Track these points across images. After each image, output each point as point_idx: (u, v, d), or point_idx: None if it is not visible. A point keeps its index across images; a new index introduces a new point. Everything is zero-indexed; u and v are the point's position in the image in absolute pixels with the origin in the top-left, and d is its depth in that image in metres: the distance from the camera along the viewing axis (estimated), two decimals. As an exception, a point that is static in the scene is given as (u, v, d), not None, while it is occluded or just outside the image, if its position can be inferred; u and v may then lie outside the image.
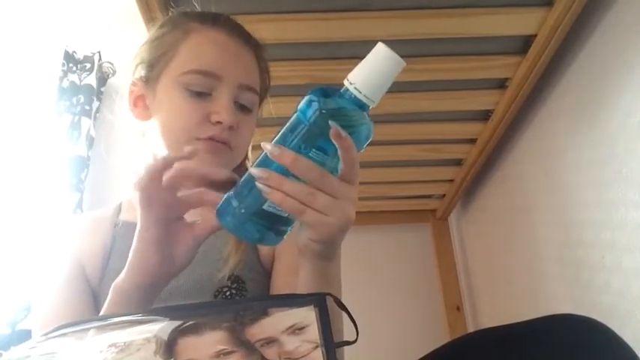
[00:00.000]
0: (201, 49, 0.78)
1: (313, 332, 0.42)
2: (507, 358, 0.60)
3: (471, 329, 1.98)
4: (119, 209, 0.85)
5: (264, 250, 0.81)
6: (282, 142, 0.54)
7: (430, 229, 2.15)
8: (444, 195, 1.99)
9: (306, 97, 0.55)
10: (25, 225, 1.68)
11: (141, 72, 0.82)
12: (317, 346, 0.41)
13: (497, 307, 1.83)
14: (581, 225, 1.26)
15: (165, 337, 0.41)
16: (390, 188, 1.92)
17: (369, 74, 0.56)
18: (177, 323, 0.42)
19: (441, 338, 1.93)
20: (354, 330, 0.50)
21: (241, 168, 0.83)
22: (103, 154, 1.88)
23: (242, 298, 0.74)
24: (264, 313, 0.43)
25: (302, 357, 0.41)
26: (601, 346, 0.58)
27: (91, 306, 0.75)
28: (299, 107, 0.55)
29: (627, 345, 0.58)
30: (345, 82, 0.56)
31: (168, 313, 0.42)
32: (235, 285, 0.75)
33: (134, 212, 0.81)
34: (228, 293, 0.74)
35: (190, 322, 0.42)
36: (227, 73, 0.77)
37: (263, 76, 0.86)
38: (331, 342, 0.42)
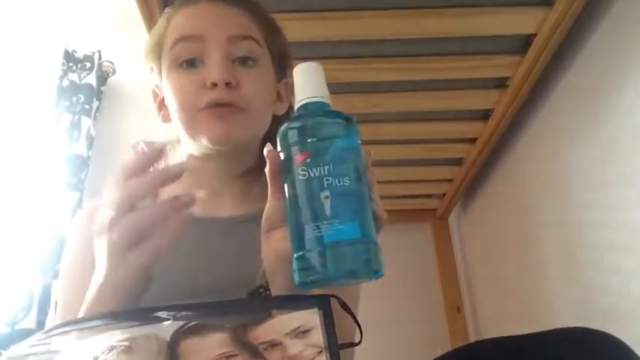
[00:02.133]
0: (180, 21, 0.76)
1: (317, 336, 0.42)
2: None
3: (470, 329, 1.98)
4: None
5: None
6: None
7: (430, 229, 2.15)
8: (444, 194, 1.99)
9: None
10: (25, 224, 1.68)
11: (153, 76, 0.81)
12: (321, 351, 0.41)
13: (497, 307, 1.83)
14: (581, 225, 1.26)
15: (167, 338, 0.41)
16: (390, 188, 1.92)
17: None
18: (179, 324, 0.42)
19: (441, 338, 1.93)
20: (358, 332, 0.50)
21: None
22: (102, 153, 1.88)
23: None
24: (268, 315, 0.42)
25: (306, 362, 0.41)
26: None
27: None
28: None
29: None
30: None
31: (170, 312, 0.42)
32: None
33: None
34: (262, 294, 0.70)
35: (193, 323, 0.42)
36: (210, 30, 0.72)
37: (267, 30, 0.79)
38: (335, 346, 0.41)
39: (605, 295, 1.16)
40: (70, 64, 1.96)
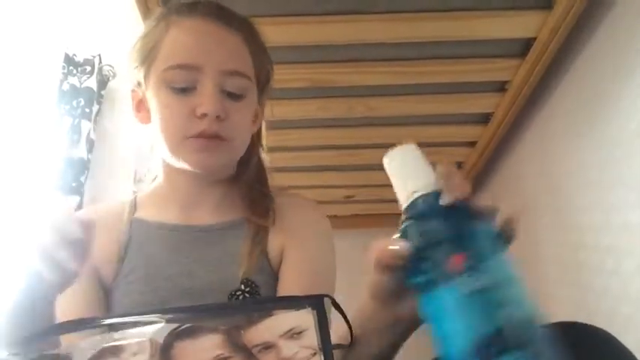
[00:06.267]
0: (179, 41, 0.76)
1: (311, 337, 0.41)
2: None
3: (471, 332, 1.98)
4: (134, 206, 0.83)
5: (272, 252, 0.80)
6: None
7: (430, 232, 2.15)
8: (444, 197, 1.98)
9: None
10: (25, 227, 1.67)
11: (137, 75, 0.80)
12: (315, 353, 0.41)
13: (498, 310, 1.83)
14: (581, 228, 1.26)
15: (161, 340, 0.41)
16: (390, 191, 1.91)
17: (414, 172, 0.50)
18: (173, 326, 0.42)
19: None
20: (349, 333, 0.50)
21: (247, 162, 0.82)
22: (103, 157, 1.89)
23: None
24: (261, 316, 0.42)
25: (300, 364, 0.40)
26: (604, 355, 0.58)
27: (102, 308, 0.74)
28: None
29: (631, 353, 0.58)
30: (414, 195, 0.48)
31: (163, 315, 0.41)
32: (248, 289, 0.74)
33: (151, 210, 0.80)
34: (241, 297, 0.73)
35: (186, 325, 0.42)
36: (207, 61, 0.73)
37: (258, 58, 0.81)
38: (330, 348, 0.41)
39: (605, 298, 1.16)
40: (71, 67, 1.96)
